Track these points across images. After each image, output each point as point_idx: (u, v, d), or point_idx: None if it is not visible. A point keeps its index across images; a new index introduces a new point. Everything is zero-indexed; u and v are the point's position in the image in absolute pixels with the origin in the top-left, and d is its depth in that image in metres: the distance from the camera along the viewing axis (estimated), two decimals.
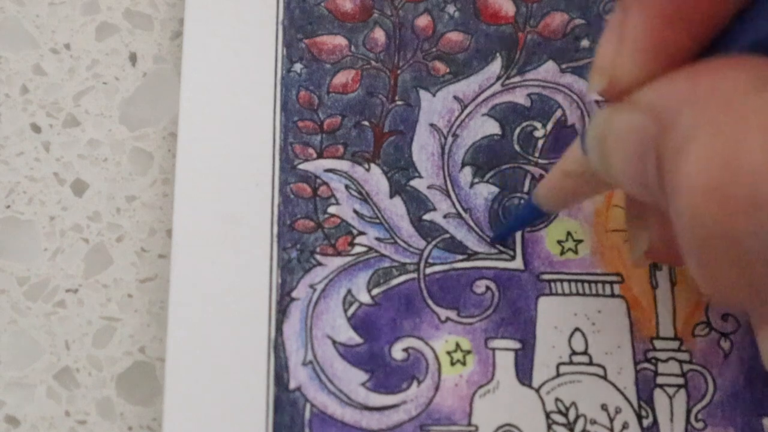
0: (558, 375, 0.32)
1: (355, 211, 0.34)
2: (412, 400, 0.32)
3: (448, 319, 0.32)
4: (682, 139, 0.22)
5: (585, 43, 0.36)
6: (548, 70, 0.35)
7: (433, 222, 0.34)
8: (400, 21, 0.36)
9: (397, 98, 0.35)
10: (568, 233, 0.34)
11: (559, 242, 0.33)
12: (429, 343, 0.32)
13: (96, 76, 0.37)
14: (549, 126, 0.35)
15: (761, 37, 0.23)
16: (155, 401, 0.33)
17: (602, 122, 0.26)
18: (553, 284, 0.33)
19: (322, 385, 0.32)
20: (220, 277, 0.32)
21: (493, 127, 0.35)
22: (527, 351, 0.32)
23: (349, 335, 0.32)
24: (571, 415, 0.32)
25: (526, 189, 0.34)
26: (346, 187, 0.34)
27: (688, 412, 0.32)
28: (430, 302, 0.33)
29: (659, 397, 0.32)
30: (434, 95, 0.35)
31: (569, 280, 0.33)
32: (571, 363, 0.32)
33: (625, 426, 0.31)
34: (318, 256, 0.33)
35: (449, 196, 0.34)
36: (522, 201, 0.34)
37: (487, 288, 0.33)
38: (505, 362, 0.32)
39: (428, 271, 0.33)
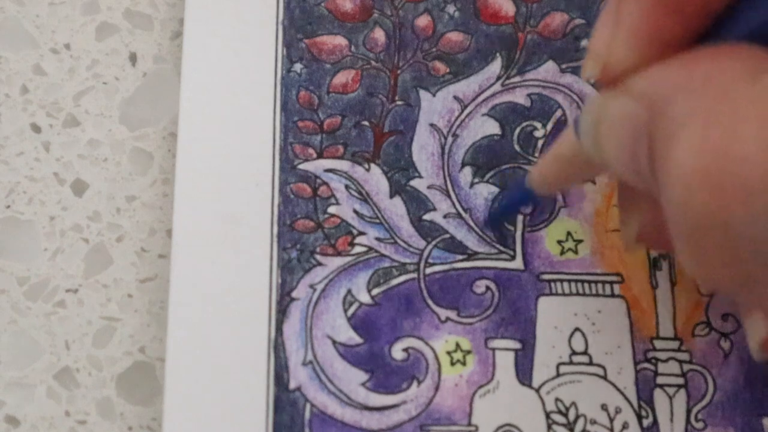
0: (558, 375, 0.32)
1: (355, 211, 0.34)
2: (412, 400, 0.32)
3: (448, 319, 0.32)
4: (675, 127, 0.22)
5: (585, 43, 0.36)
6: (548, 70, 0.35)
7: (433, 222, 0.34)
8: (400, 21, 0.36)
9: (397, 98, 0.35)
10: (568, 233, 0.34)
11: (559, 242, 0.33)
12: (429, 343, 0.32)
13: (96, 76, 0.37)
14: (549, 126, 0.35)
15: (756, 26, 0.23)
16: (155, 401, 0.33)
17: (596, 108, 0.26)
18: (553, 284, 0.33)
19: (322, 385, 0.32)
20: (220, 277, 0.32)
21: (493, 127, 0.35)
22: (527, 351, 0.32)
23: (349, 335, 0.32)
24: (571, 415, 0.32)
25: None
26: (346, 187, 0.34)
27: (688, 412, 0.32)
28: (430, 302, 0.33)
29: (659, 397, 0.32)
30: (434, 95, 0.35)
31: (569, 280, 0.33)
32: (571, 363, 0.32)
33: (625, 426, 0.31)
34: (318, 256, 0.33)
35: (449, 196, 0.34)
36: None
37: (487, 288, 0.33)
38: (505, 362, 0.32)
39: (428, 271, 0.33)
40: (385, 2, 0.36)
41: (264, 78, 0.35)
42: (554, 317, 0.32)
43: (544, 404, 0.32)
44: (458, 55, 0.36)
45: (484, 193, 0.34)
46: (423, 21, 0.36)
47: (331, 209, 0.34)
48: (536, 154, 0.34)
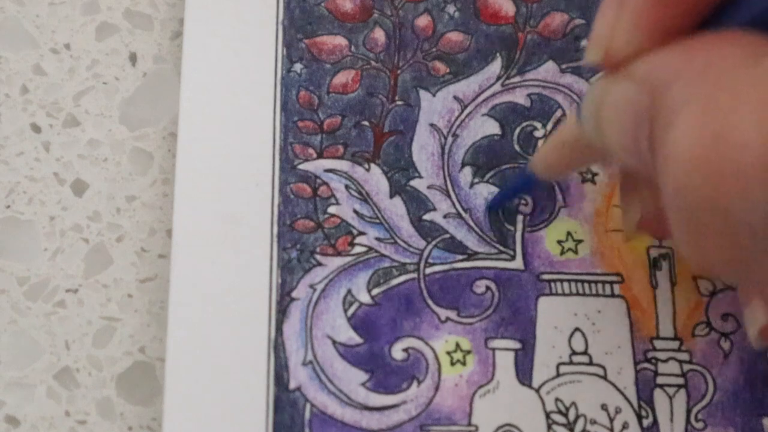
0: (558, 375, 0.32)
1: (355, 211, 0.34)
2: (412, 400, 0.32)
3: (448, 319, 0.32)
4: (674, 112, 0.22)
5: (585, 43, 0.36)
6: (548, 70, 0.35)
7: (433, 222, 0.34)
8: (400, 21, 0.36)
9: (397, 98, 0.35)
10: (568, 233, 0.34)
11: (559, 242, 0.33)
12: (429, 343, 0.32)
13: (96, 76, 0.37)
14: (549, 126, 0.35)
15: (758, 13, 0.23)
16: (155, 401, 0.33)
17: (599, 93, 0.26)
18: (553, 284, 0.33)
19: (322, 385, 0.32)
20: (220, 277, 0.32)
21: (493, 127, 0.35)
22: (527, 351, 0.32)
23: (349, 335, 0.32)
24: (571, 415, 0.32)
25: None
26: (346, 187, 0.34)
27: (688, 412, 0.32)
28: (430, 302, 0.33)
29: (659, 397, 0.32)
30: (434, 95, 0.35)
31: (569, 280, 0.33)
32: (571, 363, 0.32)
33: (625, 426, 0.31)
34: (318, 256, 0.33)
35: (449, 196, 0.34)
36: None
37: (487, 288, 0.33)
38: (505, 362, 0.32)
39: (428, 271, 0.33)
40: (385, 2, 0.36)
41: (264, 78, 0.35)
42: (554, 317, 0.32)
43: (544, 404, 0.32)
44: (458, 55, 0.36)
45: (484, 193, 0.34)
46: (423, 21, 0.36)
47: (331, 209, 0.34)
48: None
